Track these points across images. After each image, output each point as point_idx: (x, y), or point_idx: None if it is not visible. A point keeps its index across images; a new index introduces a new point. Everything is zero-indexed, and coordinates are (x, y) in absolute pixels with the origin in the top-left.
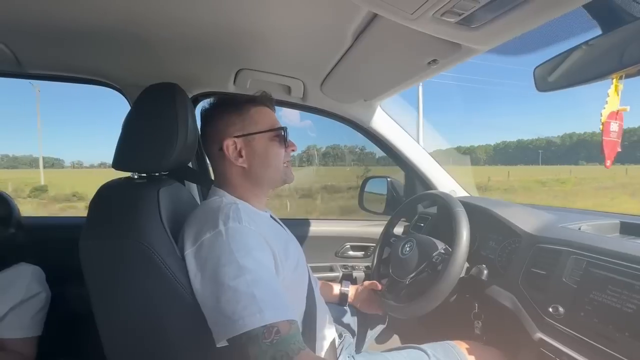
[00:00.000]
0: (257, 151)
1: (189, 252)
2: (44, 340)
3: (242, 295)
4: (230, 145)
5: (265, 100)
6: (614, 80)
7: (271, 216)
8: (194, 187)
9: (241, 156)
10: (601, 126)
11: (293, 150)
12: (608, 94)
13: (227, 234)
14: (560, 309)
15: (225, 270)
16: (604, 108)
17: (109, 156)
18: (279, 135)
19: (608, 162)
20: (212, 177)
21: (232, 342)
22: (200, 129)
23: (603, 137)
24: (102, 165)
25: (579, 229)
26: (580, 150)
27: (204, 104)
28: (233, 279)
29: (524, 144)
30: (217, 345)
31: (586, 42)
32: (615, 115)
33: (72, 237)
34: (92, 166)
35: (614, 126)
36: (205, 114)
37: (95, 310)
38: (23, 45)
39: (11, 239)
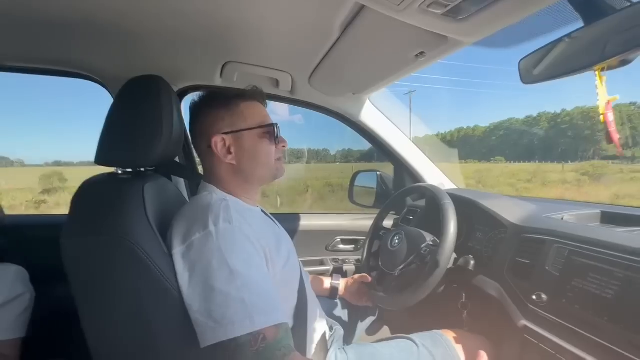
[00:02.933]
0: (247, 148)
1: (177, 251)
2: (28, 342)
3: (232, 300)
4: (218, 141)
5: (256, 95)
6: (597, 72)
7: (262, 211)
8: (181, 182)
9: (230, 153)
10: (602, 118)
11: (284, 147)
12: (596, 85)
13: (218, 236)
14: (544, 297)
15: (216, 275)
16: (598, 101)
17: (62, 154)
18: (269, 131)
19: (620, 150)
20: (201, 172)
21: (219, 345)
22: (189, 124)
23: (609, 129)
24: (55, 163)
25: (562, 218)
26: (464, 146)
27: (192, 98)
28: (223, 284)
29: None
30: (202, 347)
31: (569, 35)
32: (609, 105)
33: (57, 235)
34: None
35: (611, 116)
36: (193, 109)
37: (80, 310)
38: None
39: None
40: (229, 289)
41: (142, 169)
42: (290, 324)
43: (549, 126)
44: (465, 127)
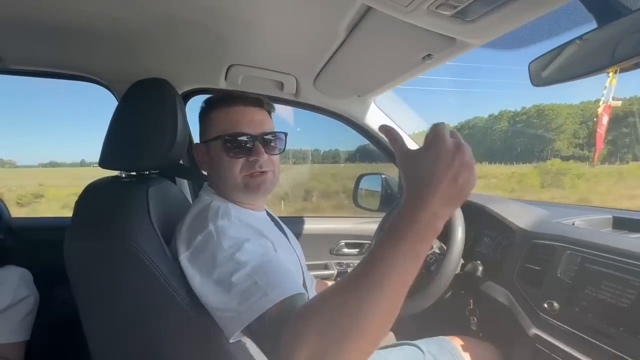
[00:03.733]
0: (213, 159)
1: (183, 257)
2: (32, 344)
3: (245, 287)
4: (198, 151)
5: (234, 101)
6: (610, 74)
7: (268, 214)
8: (185, 184)
9: (204, 163)
10: (595, 118)
11: (256, 160)
12: (605, 86)
13: (217, 233)
14: (555, 305)
15: (223, 269)
16: (601, 100)
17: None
18: (232, 143)
19: (595, 157)
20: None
21: (248, 330)
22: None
23: (598, 129)
24: (51, 164)
25: (573, 224)
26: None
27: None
28: (231, 276)
29: None
30: (230, 341)
31: (580, 37)
32: (608, 108)
33: (62, 238)
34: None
35: (605, 119)
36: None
37: (82, 313)
38: (5, 41)
39: (0, 244)
40: (239, 278)
41: (146, 172)
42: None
43: (509, 125)
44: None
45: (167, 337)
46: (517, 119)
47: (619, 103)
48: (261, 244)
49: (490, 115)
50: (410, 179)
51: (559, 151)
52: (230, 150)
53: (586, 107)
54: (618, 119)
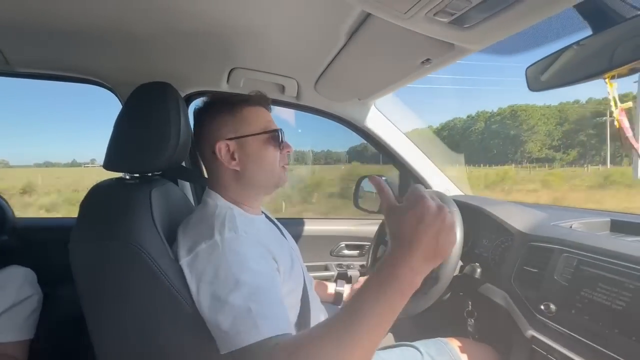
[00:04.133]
0: (251, 154)
1: (184, 262)
2: (36, 343)
3: (239, 310)
4: (222, 147)
5: (260, 100)
6: (607, 80)
7: (266, 216)
8: (187, 186)
9: (234, 159)
10: (617, 124)
11: (289, 152)
12: (608, 93)
13: (223, 245)
14: (552, 307)
15: (223, 285)
16: (615, 108)
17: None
18: (274, 137)
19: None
20: (206, 176)
21: (231, 355)
22: (193, 130)
23: (627, 134)
24: (45, 164)
25: (571, 227)
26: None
27: (196, 103)
28: (230, 294)
29: None
30: (221, 352)
31: (577, 42)
32: (622, 112)
33: (65, 238)
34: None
35: (626, 123)
36: (197, 114)
37: (86, 313)
38: (11, 44)
39: (4, 245)
40: (235, 299)
41: (149, 174)
42: (294, 330)
43: (485, 126)
44: (419, 129)
45: (170, 336)
46: (492, 119)
47: (630, 104)
48: (265, 264)
49: (468, 116)
50: (393, 234)
51: (530, 153)
52: (276, 144)
53: (564, 108)
54: (585, 120)
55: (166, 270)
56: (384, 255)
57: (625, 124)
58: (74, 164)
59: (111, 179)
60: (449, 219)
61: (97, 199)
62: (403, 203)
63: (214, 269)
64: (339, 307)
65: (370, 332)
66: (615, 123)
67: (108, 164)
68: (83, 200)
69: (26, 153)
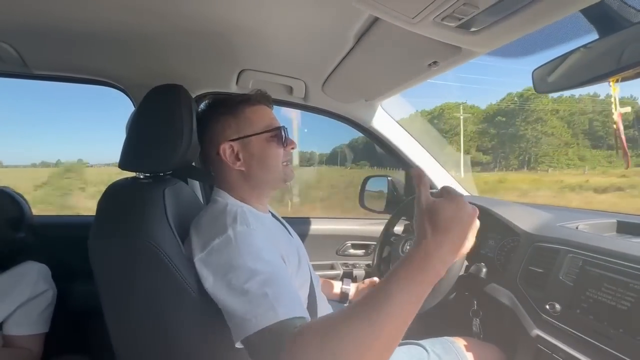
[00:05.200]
0: (255, 153)
1: (199, 258)
2: (50, 337)
3: (255, 296)
4: (227, 149)
5: (261, 99)
6: (612, 83)
7: (273, 215)
8: (196, 185)
9: (239, 159)
10: (615, 125)
11: (293, 149)
12: (612, 95)
13: (236, 239)
14: (557, 306)
15: (238, 275)
16: (614, 110)
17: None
18: (277, 134)
19: (628, 163)
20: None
21: (247, 341)
22: (197, 132)
23: (620, 136)
24: (42, 164)
25: (577, 228)
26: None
27: (200, 106)
28: (245, 282)
29: None
30: (236, 346)
31: (584, 45)
32: (620, 115)
33: (79, 235)
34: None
35: (621, 126)
36: (200, 116)
37: (104, 307)
38: (29, 47)
39: (21, 242)
40: (251, 286)
41: (162, 173)
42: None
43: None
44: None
45: (183, 330)
46: (428, 117)
47: (629, 109)
48: (277, 254)
49: (410, 115)
50: (428, 223)
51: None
52: (277, 142)
53: (490, 108)
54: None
55: (179, 266)
56: (413, 244)
57: (621, 127)
58: (58, 164)
59: (126, 178)
60: (476, 220)
61: (114, 198)
62: (439, 198)
63: (229, 261)
64: (346, 305)
65: (400, 310)
66: (613, 126)
67: (123, 164)
68: (101, 198)
69: (23, 153)
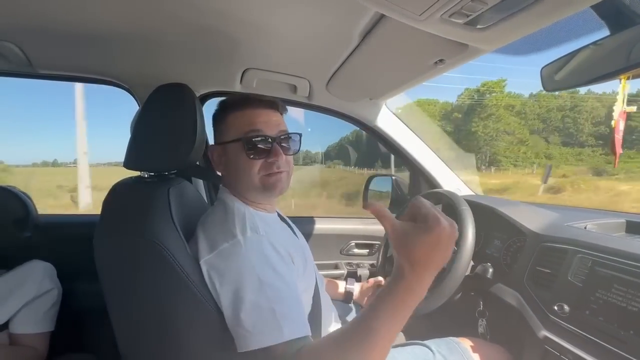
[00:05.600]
0: (231, 160)
1: (205, 260)
2: (56, 336)
3: (262, 310)
4: (214, 152)
5: (243, 103)
6: (622, 80)
7: (279, 215)
8: (200, 184)
9: (221, 164)
10: (613, 123)
11: (274, 161)
12: (619, 92)
13: (246, 245)
14: (566, 307)
15: (246, 284)
16: (621, 108)
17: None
18: (250, 144)
19: (616, 163)
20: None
21: (250, 353)
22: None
23: (615, 135)
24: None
25: (585, 227)
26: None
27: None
28: (254, 294)
29: None
30: (240, 350)
31: (594, 42)
32: (623, 114)
33: (84, 234)
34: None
35: (622, 125)
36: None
37: (109, 306)
38: (34, 46)
39: (27, 241)
40: (259, 299)
41: (166, 173)
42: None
43: None
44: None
45: (188, 331)
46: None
47: (634, 108)
48: (286, 266)
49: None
50: (405, 255)
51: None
52: (251, 152)
53: (444, 107)
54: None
55: (184, 265)
56: (393, 273)
57: (621, 126)
58: (55, 164)
59: (131, 178)
60: (456, 232)
61: (119, 197)
62: (410, 224)
63: (237, 268)
64: (350, 304)
65: (385, 339)
66: (612, 122)
67: (128, 163)
68: (106, 198)
69: (23, 153)
